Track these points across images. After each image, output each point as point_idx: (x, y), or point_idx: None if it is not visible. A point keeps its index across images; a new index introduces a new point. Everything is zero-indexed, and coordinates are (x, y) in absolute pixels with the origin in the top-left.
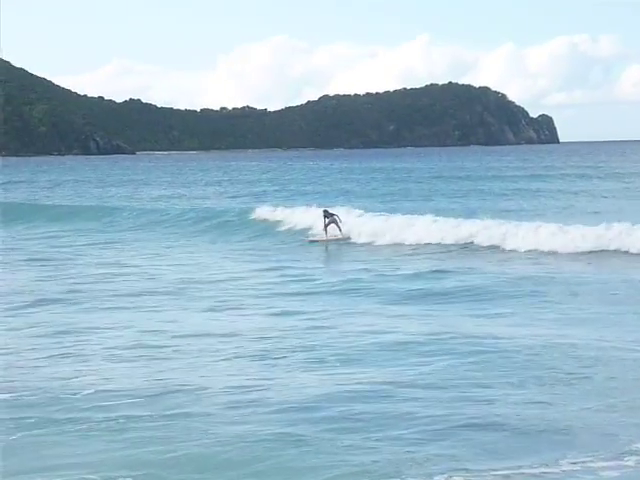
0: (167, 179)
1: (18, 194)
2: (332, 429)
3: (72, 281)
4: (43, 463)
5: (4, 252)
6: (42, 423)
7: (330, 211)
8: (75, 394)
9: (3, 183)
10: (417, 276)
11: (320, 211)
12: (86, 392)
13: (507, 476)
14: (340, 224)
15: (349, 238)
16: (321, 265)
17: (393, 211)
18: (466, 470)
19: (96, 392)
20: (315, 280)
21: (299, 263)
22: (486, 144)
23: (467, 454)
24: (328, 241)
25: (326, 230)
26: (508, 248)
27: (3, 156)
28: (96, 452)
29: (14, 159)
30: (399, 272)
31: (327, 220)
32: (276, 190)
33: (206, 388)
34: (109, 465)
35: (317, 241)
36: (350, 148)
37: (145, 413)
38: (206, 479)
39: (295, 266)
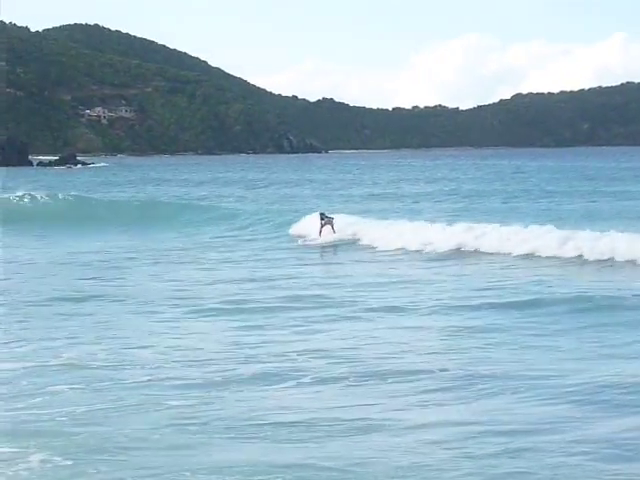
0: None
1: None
2: None
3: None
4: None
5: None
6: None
7: (327, 214)
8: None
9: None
10: None
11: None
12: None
13: None
14: (334, 226)
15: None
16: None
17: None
18: None
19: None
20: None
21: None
22: None
23: None
24: (323, 244)
25: (320, 231)
26: None
27: (199, 154)
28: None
29: (215, 157)
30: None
31: (323, 222)
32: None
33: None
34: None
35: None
36: (542, 147)
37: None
38: None
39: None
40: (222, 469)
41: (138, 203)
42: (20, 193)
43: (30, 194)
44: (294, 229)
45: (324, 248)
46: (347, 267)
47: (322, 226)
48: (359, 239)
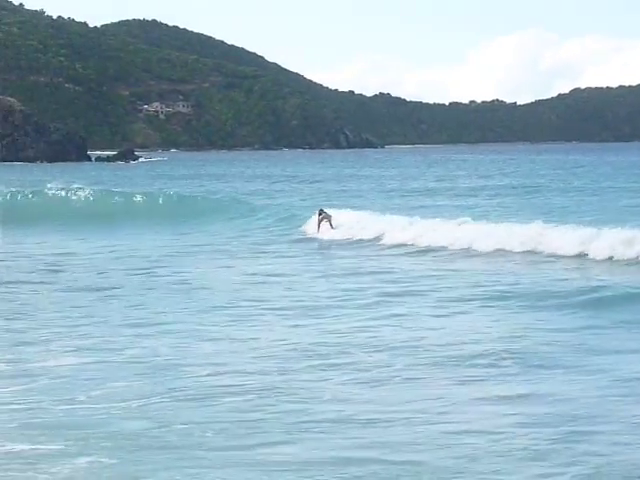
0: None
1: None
2: None
3: None
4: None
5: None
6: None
7: (325, 210)
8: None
9: None
10: None
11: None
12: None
13: None
14: (332, 222)
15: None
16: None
17: None
18: None
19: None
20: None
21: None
22: None
23: None
24: (320, 236)
25: (319, 227)
26: None
27: (256, 149)
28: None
29: (272, 152)
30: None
31: (320, 217)
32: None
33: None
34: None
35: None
36: (601, 142)
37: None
38: None
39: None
40: (275, 465)
41: (176, 197)
42: (61, 186)
43: (73, 189)
44: (304, 226)
45: (347, 245)
46: (397, 262)
47: (320, 222)
48: (379, 236)
